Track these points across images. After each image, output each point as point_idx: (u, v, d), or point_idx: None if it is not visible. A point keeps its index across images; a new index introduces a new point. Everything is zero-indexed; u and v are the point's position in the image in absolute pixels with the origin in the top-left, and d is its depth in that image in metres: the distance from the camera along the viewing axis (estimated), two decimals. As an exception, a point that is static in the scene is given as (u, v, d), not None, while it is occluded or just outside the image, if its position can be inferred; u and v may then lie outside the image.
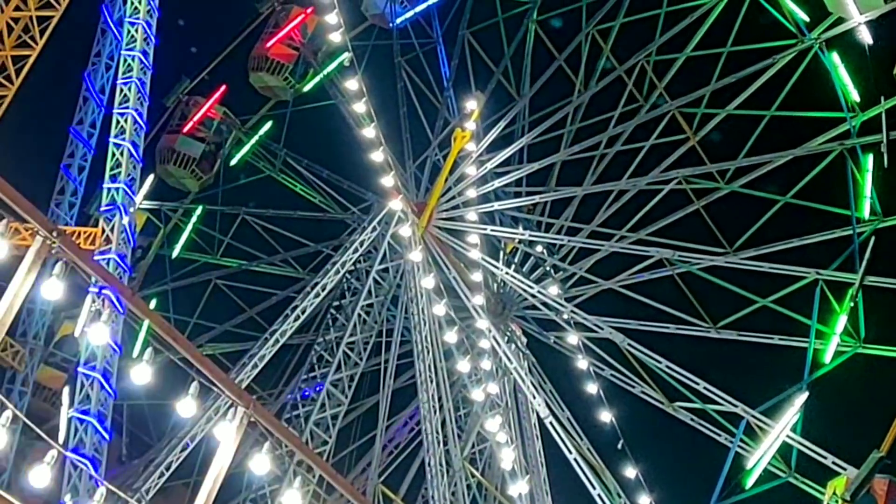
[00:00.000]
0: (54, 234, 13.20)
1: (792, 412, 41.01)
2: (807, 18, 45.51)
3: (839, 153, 44.93)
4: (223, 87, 55.52)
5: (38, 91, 44.89)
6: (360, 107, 48.78)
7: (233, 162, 55.06)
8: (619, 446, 47.31)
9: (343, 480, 15.63)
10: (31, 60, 42.84)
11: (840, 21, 44.36)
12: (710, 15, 48.35)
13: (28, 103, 43.41)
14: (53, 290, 13.99)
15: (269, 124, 55.80)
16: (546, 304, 48.24)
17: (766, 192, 47.58)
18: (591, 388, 48.43)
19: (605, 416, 47.95)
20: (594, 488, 44.27)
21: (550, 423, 45.57)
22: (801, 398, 40.91)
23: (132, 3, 45.40)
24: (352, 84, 49.20)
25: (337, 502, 15.94)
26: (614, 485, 46.21)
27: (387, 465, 51.52)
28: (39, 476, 14.28)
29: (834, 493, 35.50)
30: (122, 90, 44.72)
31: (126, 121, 44.45)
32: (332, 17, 49.58)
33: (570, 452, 44.72)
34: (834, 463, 40.46)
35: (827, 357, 42.03)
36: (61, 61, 46.29)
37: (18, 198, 13.55)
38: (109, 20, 45.09)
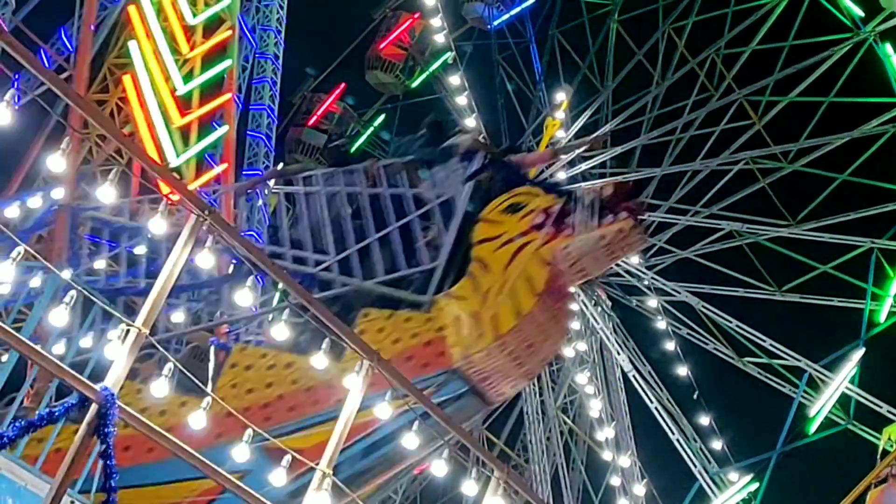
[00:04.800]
0: (206, 212, 13.41)
1: (850, 366, 40.49)
2: (862, 14, 44.65)
3: (892, 134, 44.25)
4: (343, 85, 55.98)
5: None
6: (462, 100, 48.86)
7: (351, 150, 55.49)
8: (695, 397, 46.97)
9: (455, 424, 15.76)
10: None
11: (893, 15, 43.50)
12: (773, 13, 47.63)
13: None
14: (207, 260, 14.23)
15: (382, 117, 56.13)
16: (629, 271, 47.99)
17: (825, 170, 46.88)
18: (669, 345, 48.08)
19: (682, 370, 47.58)
20: (672, 433, 44.21)
21: (633, 376, 45.45)
22: (859, 353, 40.37)
23: (264, 13, 46.01)
24: (454, 80, 49.30)
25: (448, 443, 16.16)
26: (690, 430, 45.97)
27: (489, 413, 51.69)
28: (197, 420, 14.58)
29: (889, 439, 34.97)
30: (256, 89, 45.36)
31: (261, 116, 45.16)
32: (436, 21, 49.71)
33: (651, 402, 44.61)
34: (889, 411, 39.96)
35: (882, 317, 41.37)
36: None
37: (175, 181, 13.82)
38: (244, 27, 45.64)
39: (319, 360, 15.36)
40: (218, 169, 36.32)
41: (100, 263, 25.37)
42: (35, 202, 27.61)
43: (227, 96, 38.22)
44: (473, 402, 17.83)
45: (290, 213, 52.69)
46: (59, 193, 29.26)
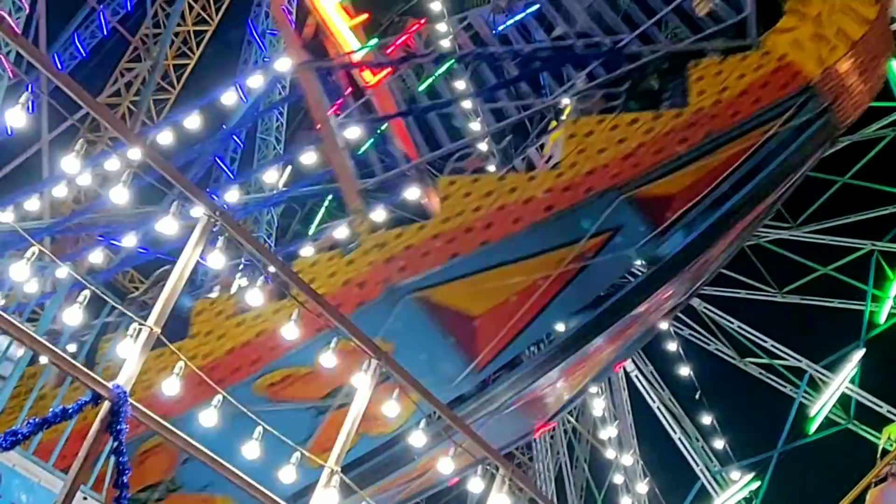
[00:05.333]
0: (217, 213, 13.43)
1: (850, 366, 40.48)
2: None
3: (892, 138, 44.12)
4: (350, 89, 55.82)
5: (196, 94, 45.70)
6: (467, 104, 48.72)
7: (359, 152, 55.37)
8: (696, 397, 46.91)
9: (462, 422, 15.80)
10: (190, 67, 43.67)
11: (893, 21, 43.33)
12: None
13: (187, 105, 44.22)
14: (217, 260, 14.22)
15: (385, 125, 55.99)
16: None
17: (826, 173, 46.71)
18: (671, 345, 48.01)
19: (684, 370, 47.49)
20: (675, 433, 44.19)
21: (636, 376, 45.40)
22: (859, 354, 40.35)
23: (273, 18, 45.99)
24: (460, 84, 49.20)
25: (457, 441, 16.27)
26: (692, 430, 45.93)
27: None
28: (207, 418, 14.61)
29: (889, 438, 34.98)
30: (266, 92, 45.28)
31: (270, 119, 45.13)
32: (442, 26, 49.58)
33: (654, 401, 44.60)
34: (889, 411, 39.97)
35: (882, 318, 41.29)
36: (215, 68, 47.03)
37: (187, 183, 13.77)
38: (255, 32, 45.70)
39: (328, 359, 15.33)
40: (385, 71, 37.01)
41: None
42: (256, 80, 28.70)
43: (366, 16, 38.77)
44: (827, 125, 18.28)
45: (300, 214, 52.24)
46: (283, 64, 30.38)
